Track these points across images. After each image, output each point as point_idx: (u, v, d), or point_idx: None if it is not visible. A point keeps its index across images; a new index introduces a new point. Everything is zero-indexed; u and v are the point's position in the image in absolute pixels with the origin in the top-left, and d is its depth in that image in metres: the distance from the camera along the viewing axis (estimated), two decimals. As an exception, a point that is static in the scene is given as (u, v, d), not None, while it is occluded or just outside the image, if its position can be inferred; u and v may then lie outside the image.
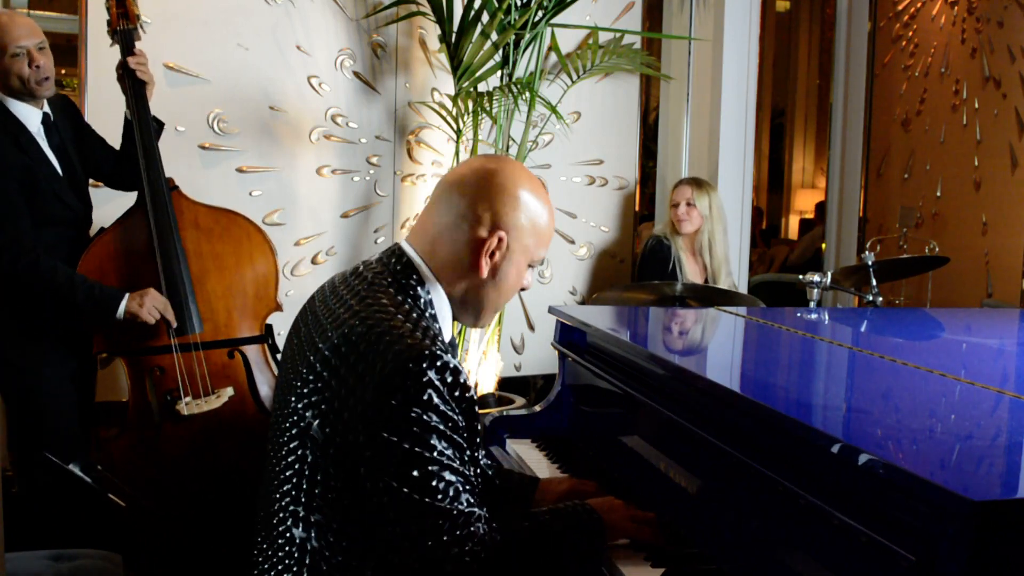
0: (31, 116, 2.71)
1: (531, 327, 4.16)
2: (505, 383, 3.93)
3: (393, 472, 1.41)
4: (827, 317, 2.71)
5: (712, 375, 1.77)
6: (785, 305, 3.20)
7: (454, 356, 1.53)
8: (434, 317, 1.58)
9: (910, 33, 4.77)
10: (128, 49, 2.83)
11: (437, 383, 1.42)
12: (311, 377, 1.51)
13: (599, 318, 2.46)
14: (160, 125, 2.96)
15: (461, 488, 1.43)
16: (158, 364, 2.75)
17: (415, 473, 1.40)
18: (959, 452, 1.30)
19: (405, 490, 1.40)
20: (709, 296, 3.23)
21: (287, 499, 1.52)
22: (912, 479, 1.13)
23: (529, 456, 2.21)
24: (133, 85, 2.80)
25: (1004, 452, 1.32)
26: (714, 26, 4.42)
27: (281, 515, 1.53)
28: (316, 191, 3.71)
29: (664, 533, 1.64)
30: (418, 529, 1.41)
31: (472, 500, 1.45)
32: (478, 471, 1.55)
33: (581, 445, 2.24)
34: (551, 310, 2.49)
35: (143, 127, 2.79)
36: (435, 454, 1.41)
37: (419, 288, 1.56)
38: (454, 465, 1.43)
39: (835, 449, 1.27)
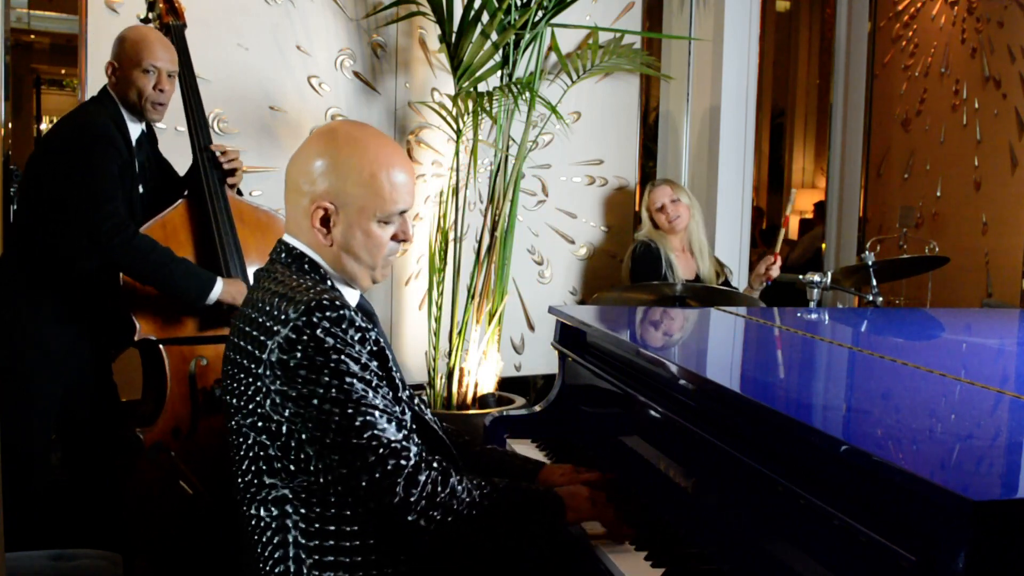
0: (134, 129, 2.75)
1: (531, 327, 4.15)
2: (505, 383, 3.92)
3: (314, 424, 1.46)
4: (827, 317, 2.71)
5: (712, 375, 1.76)
6: (785, 305, 3.19)
7: (372, 324, 1.56)
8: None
9: (910, 33, 4.77)
10: (181, 44, 2.84)
11: (328, 326, 1.47)
12: (245, 362, 1.55)
13: (599, 318, 2.46)
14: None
15: (381, 421, 1.48)
16: (201, 354, 2.76)
17: (336, 417, 1.45)
18: (959, 452, 1.30)
19: (328, 440, 1.46)
20: (709, 296, 3.22)
21: (246, 486, 1.57)
22: (912, 479, 1.13)
23: (529, 456, 2.21)
24: (217, 173, 2.84)
25: (1004, 452, 1.32)
26: (714, 26, 4.42)
27: (247, 502, 1.57)
28: (316, 191, 3.70)
29: (652, 530, 1.64)
30: (347, 471, 1.47)
31: (396, 433, 1.49)
32: (404, 409, 1.58)
33: (581, 445, 2.25)
34: (551, 310, 2.49)
35: (216, 201, 2.81)
36: (343, 394, 1.46)
37: (315, 274, 1.62)
38: (368, 399, 1.47)
39: (835, 449, 1.27)
